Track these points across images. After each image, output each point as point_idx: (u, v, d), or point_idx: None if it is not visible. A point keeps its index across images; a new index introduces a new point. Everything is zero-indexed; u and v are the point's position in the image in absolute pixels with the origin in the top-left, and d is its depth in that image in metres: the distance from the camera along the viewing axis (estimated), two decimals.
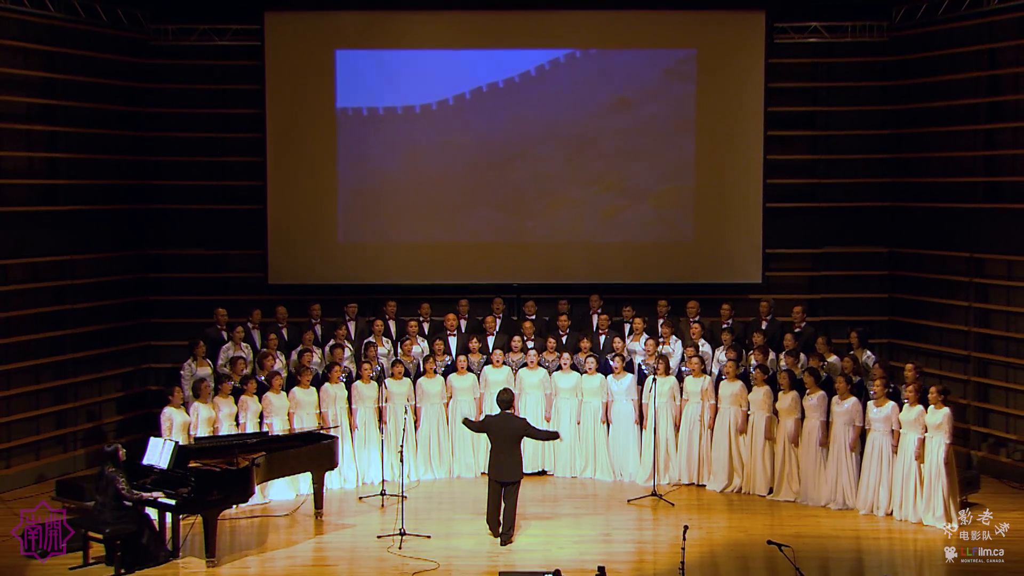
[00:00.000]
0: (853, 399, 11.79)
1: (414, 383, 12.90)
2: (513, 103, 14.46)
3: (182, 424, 11.76)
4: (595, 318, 13.85)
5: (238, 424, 12.08)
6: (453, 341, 13.50)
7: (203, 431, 11.77)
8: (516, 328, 13.71)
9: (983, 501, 11.87)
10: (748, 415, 12.40)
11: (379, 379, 12.78)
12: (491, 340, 13.49)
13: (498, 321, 13.74)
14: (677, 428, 12.72)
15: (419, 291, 14.40)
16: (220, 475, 10.44)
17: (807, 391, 12.04)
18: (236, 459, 10.68)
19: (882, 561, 10.59)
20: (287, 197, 14.58)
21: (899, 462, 11.48)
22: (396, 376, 12.74)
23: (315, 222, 14.65)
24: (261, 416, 12.17)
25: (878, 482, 11.63)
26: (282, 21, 14.45)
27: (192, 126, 14.88)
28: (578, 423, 13.01)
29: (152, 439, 10.87)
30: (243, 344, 13.14)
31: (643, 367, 13.10)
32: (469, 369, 13.06)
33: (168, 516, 10.58)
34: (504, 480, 10.89)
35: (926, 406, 11.30)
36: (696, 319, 13.58)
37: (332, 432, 12.05)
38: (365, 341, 13.21)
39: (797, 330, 13.31)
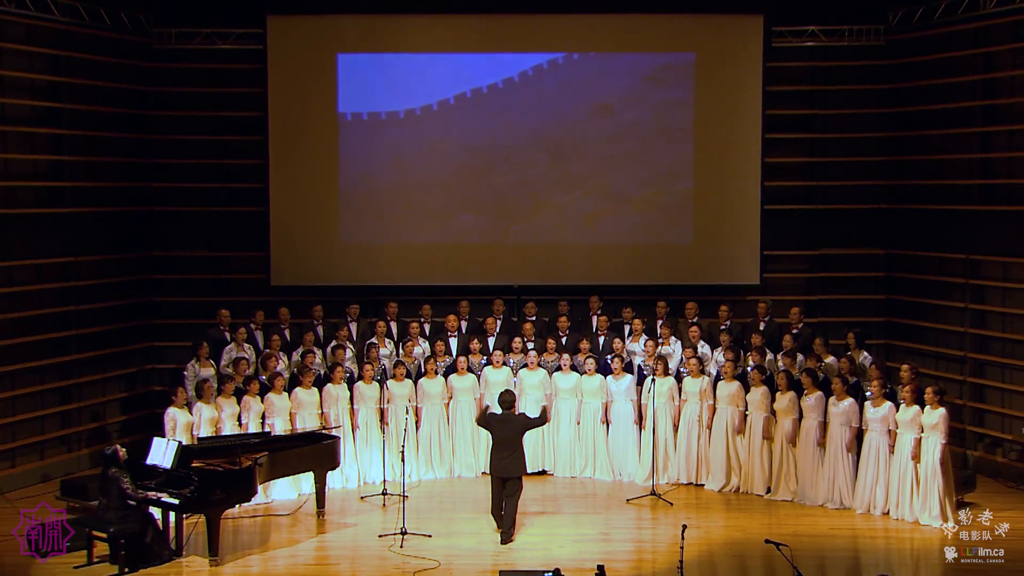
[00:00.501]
0: (850, 400, 11.87)
1: (415, 383, 12.99)
2: (511, 104, 14.53)
3: (185, 424, 11.82)
4: (595, 319, 13.92)
5: (240, 424, 12.14)
6: (454, 342, 13.57)
7: (206, 431, 11.83)
8: (516, 329, 13.78)
9: (979, 500, 11.95)
10: (746, 415, 12.49)
11: (381, 380, 12.88)
12: (491, 341, 13.57)
13: (498, 322, 13.82)
14: (676, 428, 12.79)
15: (420, 292, 14.47)
16: (223, 475, 10.50)
17: (805, 392, 12.13)
18: (239, 459, 10.72)
19: (879, 560, 10.65)
20: (289, 199, 14.66)
21: (895, 462, 11.55)
22: (398, 377, 12.82)
23: (317, 224, 14.73)
24: (263, 416, 12.23)
25: (875, 482, 11.71)
26: (284, 25, 14.53)
27: (195, 129, 14.95)
28: (578, 423, 13.10)
29: (156, 439, 10.92)
30: (246, 345, 13.23)
31: (642, 368, 13.19)
32: (469, 370, 13.14)
33: (171, 515, 10.64)
34: (505, 475, 10.96)
35: (922, 406, 11.36)
36: (695, 320, 13.65)
37: (334, 432, 12.11)
38: (367, 342, 13.29)
39: (795, 331, 13.38)
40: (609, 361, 13.09)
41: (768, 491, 12.38)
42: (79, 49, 13.73)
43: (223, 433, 11.89)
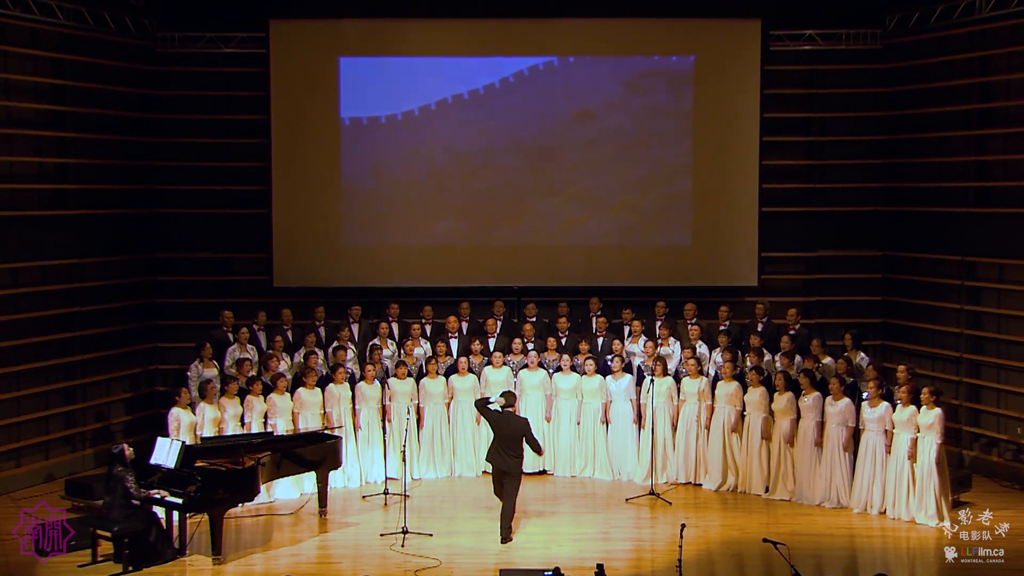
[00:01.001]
0: (847, 400, 11.95)
1: (417, 384, 13.09)
2: (512, 104, 14.62)
3: (189, 424, 11.89)
4: (594, 320, 13.99)
5: (243, 424, 12.20)
6: (455, 343, 13.65)
7: (209, 431, 11.89)
8: (517, 330, 13.86)
9: (975, 500, 12.03)
10: (743, 415, 12.58)
11: (382, 380, 12.97)
12: (492, 342, 13.66)
13: (499, 323, 13.90)
14: (675, 428, 12.87)
15: (421, 294, 14.55)
16: (226, 474, 10.57)
17: (802, 392, 12.21)
18: (242, 459, 10.79)
19: (875, 558, 10.73)
20: (291, 201, 14.73)
21: (892, 462, 11.62)
22: (400, 377, 12.92)
23: (319, 226, 14.80)
24: (266, 416, 12.30)
25: (872, 481, 11.78)
26: (286, 29, 14.62)
27: (198, 132, 15.03)
28: (578, 423, 13.18)
29: (159, 439, 10.98)
30: (248, 346, 13.31)
31: (642, 368, 13.28)
32: (470, 370, 13.23)
33: (175, 515, 10.68)
34: (505, 469, 11.02)
35: (919, 407, 11.44)
36: (693, 321, 13.73)
37: (336, 432, 12.20)
38: (370, 343, 13.37)
39: (792, 332, 13.45)
40: (608, 361, 13.18)
41: (766, 490, 12.45)
42: (83, 53, 13.80)
43: (226, 433, 11.95)
